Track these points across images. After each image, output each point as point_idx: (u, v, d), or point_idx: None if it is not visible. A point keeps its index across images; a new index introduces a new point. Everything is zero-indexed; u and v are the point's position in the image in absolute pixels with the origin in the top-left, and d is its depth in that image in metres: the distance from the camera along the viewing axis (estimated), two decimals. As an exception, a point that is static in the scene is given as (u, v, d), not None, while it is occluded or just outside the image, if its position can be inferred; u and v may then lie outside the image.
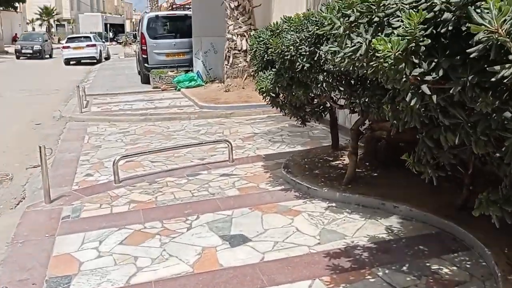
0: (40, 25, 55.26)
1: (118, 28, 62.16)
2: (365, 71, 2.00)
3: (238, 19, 10.68)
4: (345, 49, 2.02)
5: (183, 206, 4.32)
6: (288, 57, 3.57)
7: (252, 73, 10.61)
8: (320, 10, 4.05)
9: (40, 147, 4.40)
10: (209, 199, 4.48)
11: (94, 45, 25.14)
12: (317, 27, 3.42)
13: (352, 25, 2.06)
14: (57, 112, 9.90)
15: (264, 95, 4.23)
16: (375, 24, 1.98)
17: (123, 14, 77.51)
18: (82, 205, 4.44)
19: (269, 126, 7.88)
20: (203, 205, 4.31)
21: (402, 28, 1.72)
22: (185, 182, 5.00)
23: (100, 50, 25.85)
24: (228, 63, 10.92)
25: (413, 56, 1.73)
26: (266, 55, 4.20)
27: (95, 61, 24.84)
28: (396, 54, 1.70)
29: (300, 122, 4.71)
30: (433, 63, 1.75)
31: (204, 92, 11.20)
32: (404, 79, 1.77)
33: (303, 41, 3.49)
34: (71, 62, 24.49)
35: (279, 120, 8.06)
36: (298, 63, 3.53)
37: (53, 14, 55.22)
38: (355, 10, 2.05)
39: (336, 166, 5.02)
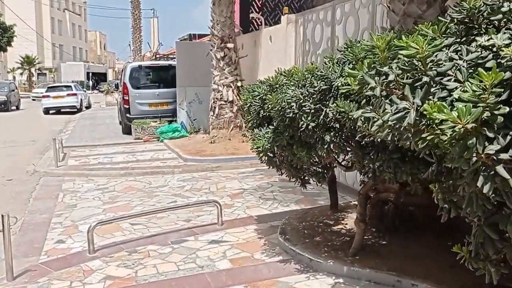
0: (21, 73, 54.82)
1: (100, 77, 62.09)
2: (409, 143, 1.58)
3: (224, 69, 10.42)
4: (385, 116, 1.61)
5: (167, 283, 3.75)
6: (290, 114, 3.17)
7: (239, 124, 10.25)
8: (324, 63, 3.70)
9: (2, 215, 3.82)
10: (197, 273, 3.91)
11: (74, 94, 24.70)
12: (324, 82, 3.04)
13: (391, 85, 1.66)
14: (31, 166, 9.28)
15: (261, 155, 3.79)
16: (423, 85, 1.58)
17: (105, 63, 77.86)
18: (49, 283, 3.82)
19: (258, 181, 7.42)
20: (190, 282, 3.75)
21: (467, 92, 1.32)
22: (169, 252, 4.43)
23: (81, 99, 25.39)
24: (213, 113, 10.56)
25: (486, 129, 1.31)
26: (262, 111, 3.80)
27: (76, 110, 24.33)
28: (466, 125, 1.29)
29: (300, 184, 4.26)
30: (510, 137, 1.34)
31: (189, 143, 10.74)
32: (474, 157, 1.35)
33: (307, 98, 3.10)
34: (51, 111, 23.92)
35: (268, 174, 7.60)
36: (301, 122, 3.12)
37: (35, 63, 54.94)
38: (393, 67, 1.65)
39: (339, 231, 4.53)
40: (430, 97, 1.49)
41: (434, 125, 1.37)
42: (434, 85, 1.53)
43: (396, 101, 1.60)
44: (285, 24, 8.84)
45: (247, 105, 4.02)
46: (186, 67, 12.00)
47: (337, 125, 3.17)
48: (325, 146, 3.13)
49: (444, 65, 1.54)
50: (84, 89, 32.12)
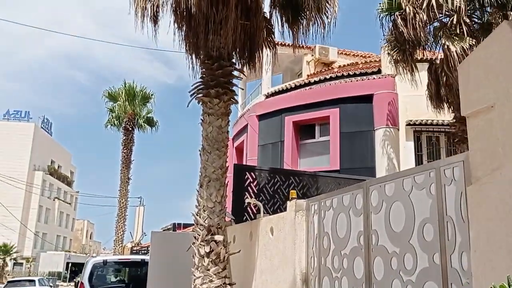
0: (-6, 263, 50.76)
1: (80, 268, 57.97)
2: None
3: (209, 269, 7.81)
4: None
5: None
6: None
7: None
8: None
9: None
10: None
11: (36, 291, 21.32)
12: None
13: None
14: None
15: None
16: None
17: (88, 253, 74.13)
18: None
19: None
20: None
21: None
22: None
23: (43, 296, 21.87)
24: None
25: None
26: None
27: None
28: None
29: None
30: None
31: None
32: None
33: None
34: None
35: None
36: None
37: (11, 252, 51.42)
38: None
39: None
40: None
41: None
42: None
43: None
44: (292, 212, 6.65)
45: None
46: (160, 264, 9.41)
47: None
48: None
49: None
50: (50, 284, 28.29)
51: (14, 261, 55.03)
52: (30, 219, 60.35)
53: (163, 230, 17.69)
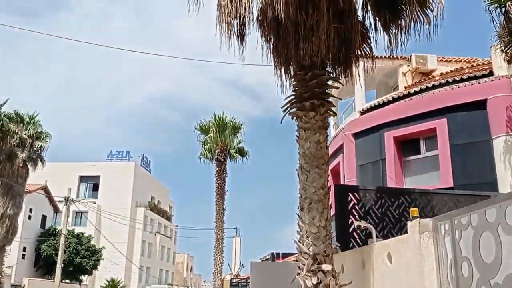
0: (103, 299, 53.40)
1: (182, 301, 59.02)
2: None
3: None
4: None
5: None
6: None
7: None
8: None
9: None
10: None
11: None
12: None
13: None
14: None
15: None
16: None
17: (190, 286, 75.59)
18: None
19: None
20: None
21: None
22: None
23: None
24: None
25: None
26: None
27: None
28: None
29: None
30: None
31: None
32: None
33: None
34: None
35: None
36: None
37: (119, 286, 53.78)
38: None
39: None
40: None
41: None
42: None
43: None
44: (415, 234, 5.52)
45: None
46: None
47: None
48: None
49: None
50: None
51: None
52: (134, 253, 63.02)
53: (262, 261, 16.97)
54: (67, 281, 42.35)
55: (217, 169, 29.48)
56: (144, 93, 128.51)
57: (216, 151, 29.58)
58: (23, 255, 41.62)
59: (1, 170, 29.08)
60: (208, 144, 30.11)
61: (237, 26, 8.01)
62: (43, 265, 43.12)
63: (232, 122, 30.32)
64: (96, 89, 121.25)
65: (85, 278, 47.81)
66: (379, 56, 12.27)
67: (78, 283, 45.56)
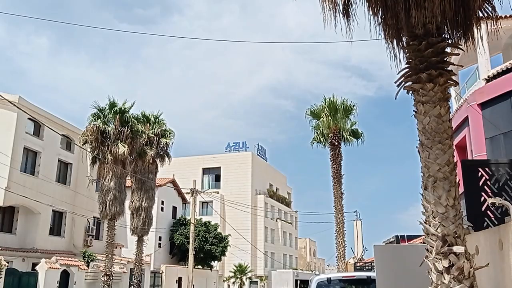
0: (233, 282, 56.31)
1: (307, 285, 59.82)
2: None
3: (451, 288, 6.39)
4: None
5: None
6: None
7: None
8: None
9: None
10: None
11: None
12: None
13: None
14: None
15: None
16: None
17: (314, 270, 76.24)
18: None
19: None
20: None
21: None
22: None
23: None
24: None
25: None
26: None
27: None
28: None
29: None
30: None
31: None
32: None
33: None
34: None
35: None
36: None
37: (246, 271, 56.26)
38: None
39: None
40: None
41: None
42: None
43: None
44: None
45: None
46: (390, 282, 8.30)
47: None
48: None
49: None
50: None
51: (250, 280, 60.05)
52: (258, 240, 65.34)
53: (386, 244, 16.44)
54: (199, 266, 45.40)
55: (331, 153, 29.14)
56: (255, 84, 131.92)
57: (329, 135, 29.21)
58: (159, 244, 45.41)
59: (134, 167, 32.00)
60: (321, 129, 29.84)
61: (341, 2, 7.73)
62: (177, 253, 46.71)
63: (343, 104, 29.66)
64: (211, 85, 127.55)
65: (215, 264, 50.81)
66: (503, 16, 11.01)
67: (209, 268, 48.58)
